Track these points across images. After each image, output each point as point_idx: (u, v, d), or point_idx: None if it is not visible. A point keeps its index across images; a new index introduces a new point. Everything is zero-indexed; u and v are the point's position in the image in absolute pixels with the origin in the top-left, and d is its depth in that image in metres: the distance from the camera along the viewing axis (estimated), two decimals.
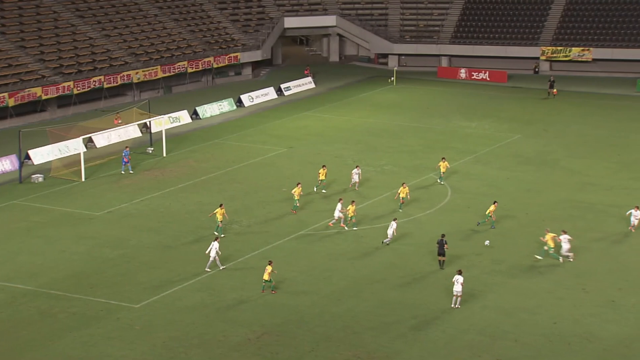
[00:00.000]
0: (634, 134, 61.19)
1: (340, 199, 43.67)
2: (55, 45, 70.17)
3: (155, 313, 34.05)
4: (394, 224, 40.55)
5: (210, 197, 47.67)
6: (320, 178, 47.71)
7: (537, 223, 43.57)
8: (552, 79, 73.35)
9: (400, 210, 44.72)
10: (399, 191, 45.31)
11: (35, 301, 35.04)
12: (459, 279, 33.95)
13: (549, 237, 38.60)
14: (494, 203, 42.93)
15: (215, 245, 37.60)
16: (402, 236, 41.80)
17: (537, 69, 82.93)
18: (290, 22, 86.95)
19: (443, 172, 49.31)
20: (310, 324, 32.97)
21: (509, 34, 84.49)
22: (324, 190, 47.89)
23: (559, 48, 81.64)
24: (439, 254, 37.97)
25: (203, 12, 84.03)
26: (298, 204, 44.73)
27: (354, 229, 42.40)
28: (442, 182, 49.23)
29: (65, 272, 38.02)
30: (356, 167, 49.21)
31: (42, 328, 32.90)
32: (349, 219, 42.45)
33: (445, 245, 37.85)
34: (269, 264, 35.45)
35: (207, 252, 37.79)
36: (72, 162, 53.20)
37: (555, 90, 72.10)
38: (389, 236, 40.57)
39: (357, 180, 48.30)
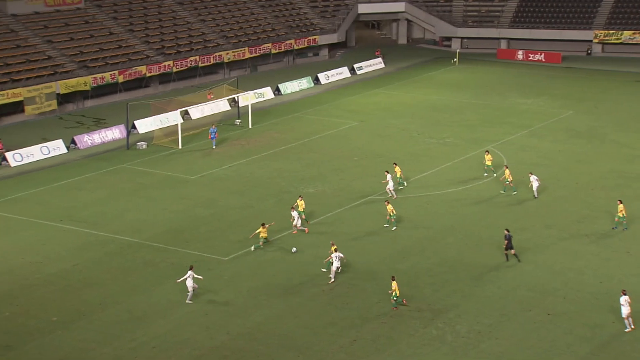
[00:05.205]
0: None
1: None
2: (159, 29, 71.23)
3: (242, 265, 34.59)
4: (534, 180, 40.88)
5: (289, 165, 47.95)
6: (397, 175, 43.92)
7: (587, 191, 42.50)
8: None
9: (514, 193, 41.54)
10: (504, 175, 41.64)
11: (140, 252, 36.01)
12: (627, 299, 29.08)
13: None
14: (619, 201, 37.55)
15: (190, 274, 31.12)
16: (460, 202, 41.33)
17: (589, 51, 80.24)
18: (364, 8, 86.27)
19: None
20: (378, 279, 32.98)
21: (564, 19, 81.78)
22: (405, 184, 43.50)
23: (611, 32, 78.65)
24: (507, 248, 33.97)
25: None
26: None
27: (393, 229, 37.69)
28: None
29: (165, 227, 38.88)
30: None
31: (146, 275, 33.84)
32: (391, 217, 37.51)
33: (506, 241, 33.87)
34: (393, 280, 30.76)
35: (178, 280, 31.70)
36: (171, 131, 54.09)
37: None
38: (534, 190, 41.01)
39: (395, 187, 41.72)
